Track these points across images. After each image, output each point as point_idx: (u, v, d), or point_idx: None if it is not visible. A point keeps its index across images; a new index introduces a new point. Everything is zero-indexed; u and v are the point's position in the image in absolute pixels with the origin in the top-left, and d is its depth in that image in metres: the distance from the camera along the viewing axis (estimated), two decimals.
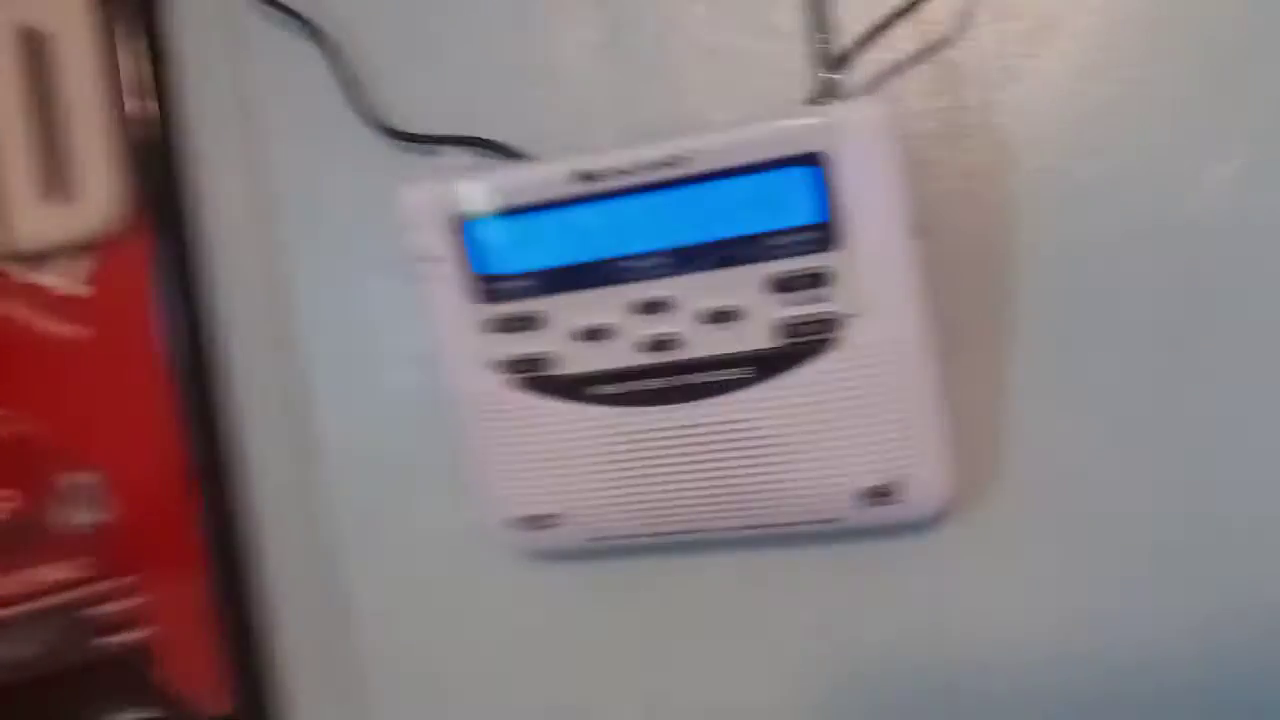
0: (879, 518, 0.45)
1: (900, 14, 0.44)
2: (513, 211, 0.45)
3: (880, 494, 0.44)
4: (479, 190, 0.45)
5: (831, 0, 0.44)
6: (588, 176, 0.44)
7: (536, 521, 0.49)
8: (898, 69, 0.46)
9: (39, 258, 0.59)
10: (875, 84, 0.46)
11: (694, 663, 0.52)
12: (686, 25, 0.49)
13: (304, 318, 0.56)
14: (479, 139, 0.50)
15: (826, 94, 0.44)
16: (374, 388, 0.55)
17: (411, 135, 0.51)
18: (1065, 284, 0.45)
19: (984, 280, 0.46)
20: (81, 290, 0.59)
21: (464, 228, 0.46)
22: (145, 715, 0.60)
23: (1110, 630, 0.46)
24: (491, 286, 0.46)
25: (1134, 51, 0.44)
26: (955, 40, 0.45)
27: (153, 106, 0.57)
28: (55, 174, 0.59)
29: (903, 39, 0.45)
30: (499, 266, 0.46)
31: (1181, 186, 0.44)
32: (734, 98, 0.48)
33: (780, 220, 0.42)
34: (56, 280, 0.60)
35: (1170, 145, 0.44)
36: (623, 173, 0.43)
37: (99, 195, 0.58)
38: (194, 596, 0.58)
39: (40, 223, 0.59)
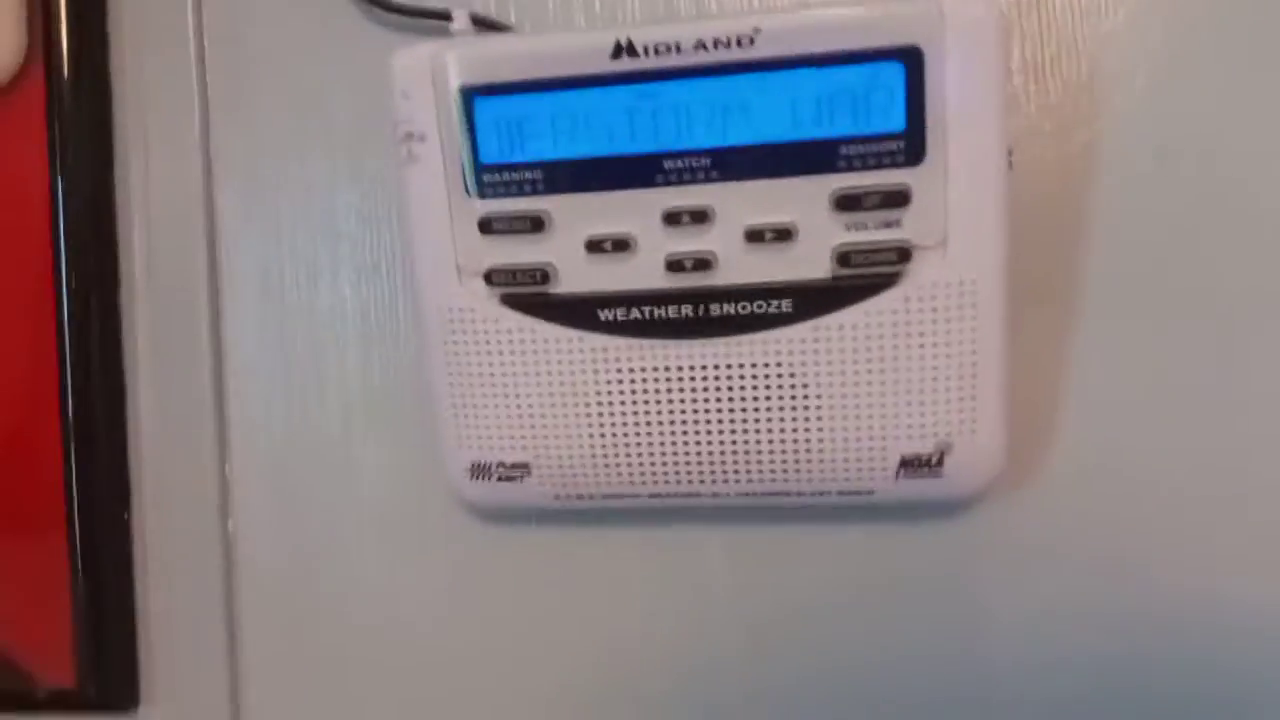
0: (920, 491, 0.39)
1: None
2: (530, 88, 0.37)
3: (925, 463, 0.38)
4: (492, 57, 0.38)
5: None
6: (629, 51, 0.36)
7: (502, 471, 0.41)
8: None
9: None
10: None
11: (673, 645, 0.45)
12: None
13: (228, 215, 0.47)
14: (482, 18, 0.42)
15: None
16: (305, 304, 0.46)
17: (396, 6, 0.43)
18: (1141, 247, 0.40)
19: (1054, 231, 0.40)
20: None
21: (468, 103, 0.38)
22: None
23: (1155, 633, 0.41)
24: (492, 177, 0.38)
25: None
26: None
27: None
28: None
29: None
30: (504, 154, 0.38)
31: None
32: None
33: (858, 124, 0.36)
34: None
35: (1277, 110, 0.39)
36: (671, 50, 0.36)
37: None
38: (49, 556, 0.48)
39: None
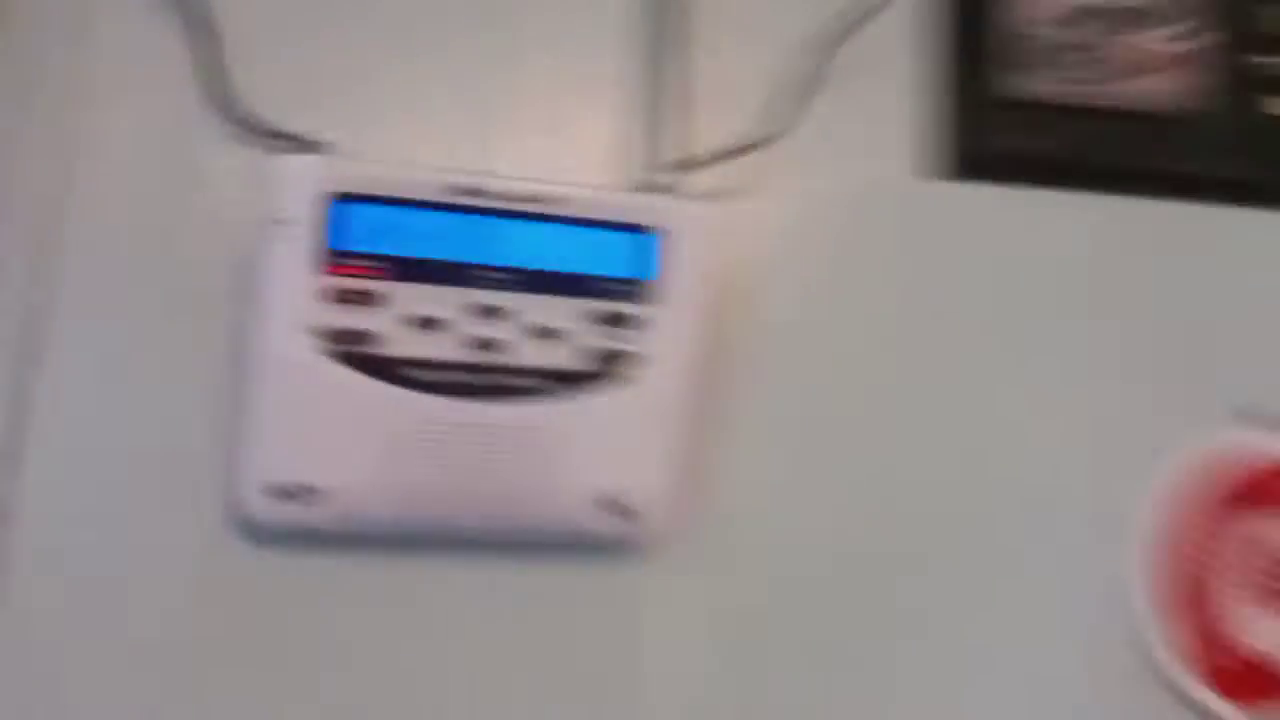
0: (610, 528, 0.52)
1: (733, 153, 0.58)
2: (382, 200, 0.51)
3: (617, 505, 0.52)
4: (356, 172, 0.51)
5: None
6: (463, 190, 0.51)
7: (295, 491, 0.50)
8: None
9: None
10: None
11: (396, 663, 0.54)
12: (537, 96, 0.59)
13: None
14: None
15: (666, 187, 0.56)
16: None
17: (272, 130, 0.56)
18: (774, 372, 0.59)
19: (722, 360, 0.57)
20: None
21: (330, 202, 0.50)
22: None
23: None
24: (340, 260, 0.50)
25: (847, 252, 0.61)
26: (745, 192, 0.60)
27: None
28: None
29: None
30: (353, 244, 0.51)
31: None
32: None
33: (619, 269, 0.52)
34: None
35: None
36: (496, 196, 0.51)
37: None
38: None
39: None
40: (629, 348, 0.52)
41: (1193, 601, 0.58)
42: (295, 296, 0.50)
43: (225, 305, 0.54)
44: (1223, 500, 0.60)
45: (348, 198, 0.51)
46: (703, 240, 0.53)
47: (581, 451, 0.51)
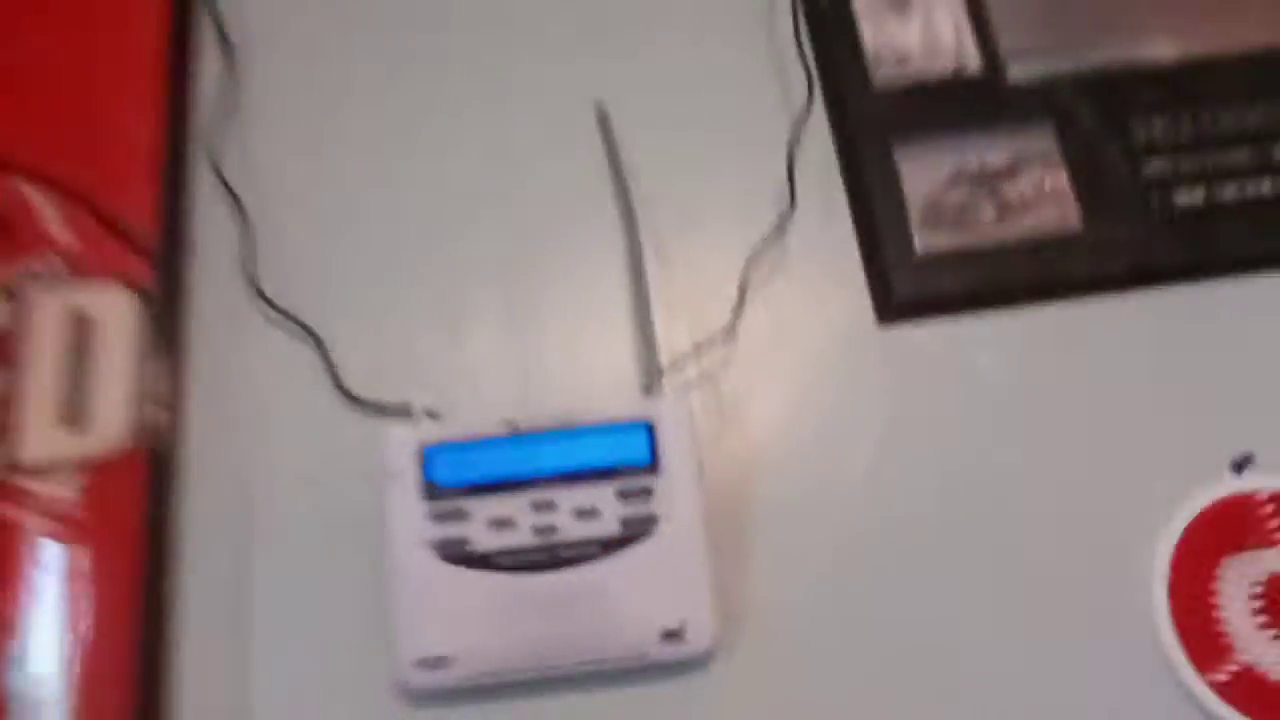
0: (673, 654, 0.72)
1: (698, 350, 0.79)
2: (458, 443, 0.73)
3: (674, 634, 0.71)
4: (438, 431, 0.73)
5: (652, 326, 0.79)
6: (513, 426, 0.73)
7: (435, 662, 0.71)
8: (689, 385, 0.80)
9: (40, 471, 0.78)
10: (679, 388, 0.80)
11: None
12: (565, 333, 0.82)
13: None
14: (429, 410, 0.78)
15: (654, 386, 0.77)
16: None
17: (375, 405, 0.79)
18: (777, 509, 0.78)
19: (734, 509, 0.77)
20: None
21: (424, 453, 0.73)
22: None
23: None
24: (437, 492, 0.72)
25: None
26: (722, 377, 0.81)
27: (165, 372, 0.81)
28: (72, 410, 0.79)
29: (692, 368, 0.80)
30: (444, 478, 0.72)
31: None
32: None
33: (626, 458, 0.73)
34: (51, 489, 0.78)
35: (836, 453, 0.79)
36: (537, 424, 0.73)
37: (105, 431, 0.79)
38: None
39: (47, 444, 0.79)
40: (647, 509, 0.72)
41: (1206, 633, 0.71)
42: (411, 521, 0.72)
43: (367, 532, 0.76)
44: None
45: (436, 447, 0.73)
46: (684, 423, 0.74)
47: (632, 596, 0.71)
